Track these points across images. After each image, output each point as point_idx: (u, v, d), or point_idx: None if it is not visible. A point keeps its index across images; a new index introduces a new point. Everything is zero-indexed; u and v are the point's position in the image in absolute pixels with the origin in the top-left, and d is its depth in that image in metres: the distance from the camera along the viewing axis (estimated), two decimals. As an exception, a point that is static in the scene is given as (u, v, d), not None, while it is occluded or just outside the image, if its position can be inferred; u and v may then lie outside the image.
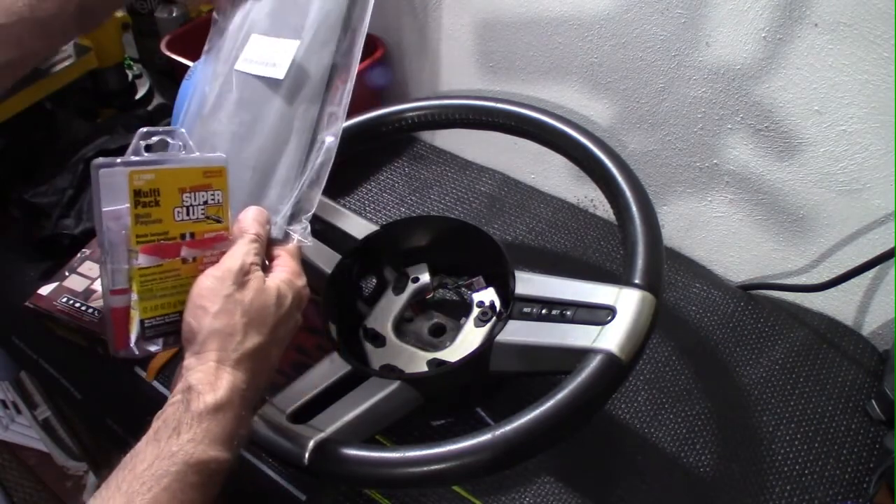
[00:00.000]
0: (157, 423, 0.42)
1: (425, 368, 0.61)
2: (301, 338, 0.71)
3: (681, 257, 0.85)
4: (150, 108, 1.03)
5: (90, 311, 0.73)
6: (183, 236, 0.47)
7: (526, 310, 0.56)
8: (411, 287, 0.69)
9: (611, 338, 0.50)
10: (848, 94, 0.62)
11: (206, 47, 0.61)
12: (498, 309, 0.64)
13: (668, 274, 0.80)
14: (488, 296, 0.66)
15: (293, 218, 0.54)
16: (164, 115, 0.98)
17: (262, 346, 0.45)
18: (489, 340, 0.57)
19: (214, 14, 0.60)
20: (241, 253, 0.47)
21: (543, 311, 0.55)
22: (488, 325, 0.63)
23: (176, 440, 0.40)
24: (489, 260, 0.64)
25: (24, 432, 1.34)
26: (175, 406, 0.42)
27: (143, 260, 0.45)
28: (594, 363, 0.49)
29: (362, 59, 0.96)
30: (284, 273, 0.49)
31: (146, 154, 0.47)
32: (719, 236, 0.82)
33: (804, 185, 0.70)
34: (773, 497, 0.62)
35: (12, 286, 0.82)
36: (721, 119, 0.72)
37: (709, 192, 0.79)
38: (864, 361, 0.72)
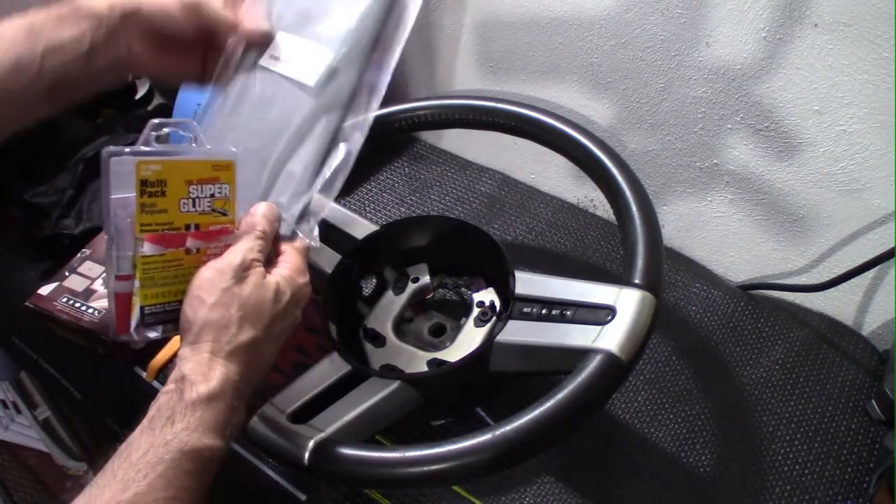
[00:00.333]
0: (151, 412, 0.43)
1: (425, 368, 0.61)
2: (301, 338, 0.71)
3: (681, 257, 0.85)
4: (150, 108, 1.03)
5: (90, 311, 0.73)
6: (188, 227, 0.48)
7: (526, 310, 0.56)
8: (411, 287, 0.69)
9: (611, 338, 0.50)
10: (848, 94, 0.62)
11: None
12: (498, 309, 0.64)
13: (668, 274, 0.80)
14: (488, 296, 0.66)
15: (302, 219, 0.54)
16: (163, 115, 0.98)
17: (256, 339, 0.46)
18: (489, 340, 0.57)
19: None
20: (243, 248, 0.48)
21: (543, 311, 0.55)
22: (488, 325, 0.63)
23: (170, 429, 0.41)
24: (489, 260, 0.64)
25: (24, 432, 1.34)
26: (169, 395, 0.43)
27: (146, 248, 0.46)
28: (594, 363, 0.49)
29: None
30: (286, 270, 0.49)
31: (156, 145, 0.48)
32: (719, 236, 0.82)
33: (804, 185, 0.70)
34: (773, 497, 0.62)
35: (12, 286, 0.82)
36: (721, 119, 0.72)
37: (709, 192, 0.79)
38: (864, 361, 0.72)
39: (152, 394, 0.72)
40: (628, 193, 0.59)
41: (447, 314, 0.68)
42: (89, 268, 0.77)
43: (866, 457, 0.64)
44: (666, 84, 0.73)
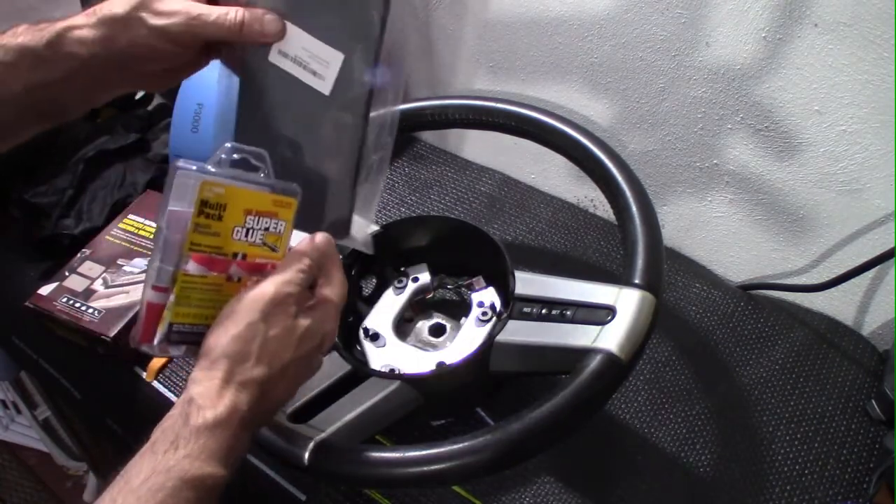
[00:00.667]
0: (155, 434, 0.42)
1: (425, 368, 0.61)
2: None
3: (681, 257, 0.85)
4: (150, 107, 1.03)
5: (90, 311, 0.73)
6: (235, 255, 0.47)
7: (526, 310, 0.56)
8: (411, 287, 0.69)
9: (611, 338, 0.50)
10: (848, 94, 0.62)
11: None
12: (498, 309, 0.64)
13: (668, 274, 0.80)
14: (488, 296, 0.66)
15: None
16: (163, 114, 0.98)
17: (270, 377, 0.44)
18: (489, 340, 0.57)
19: None
20: (280, 281, 0.45)
21: (543, 311, 0.55)
22: (488, 325, 0.63)
23: (173, 454, 0.40)
24: (489, 260, 0.64)
25: (24, 432, 1.35)
26: (174, 419, 0.42)
27: (191, 267, 0.45)
28: (594, 363, 0.49)
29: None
30: (321, 313, 0.47)
31: (225, 168, 0.47)
32: (719, 236, 0.82)
33: (804, 185, 0.70)
34: (773, 497, 0.62)
35: (12, 286, 0.82)
36: (721, 119, 0.72)
37: (709, 192, 0.79)
38: (864, 361, 0.72)
39: (152, 394, 0.73)
40: (628, 193, 0.59)
41: (447, 314, 0.69)
42: (89, 268, 0.77)
43: (866, 457, 0.64)
44: (666, 84, 0.73)
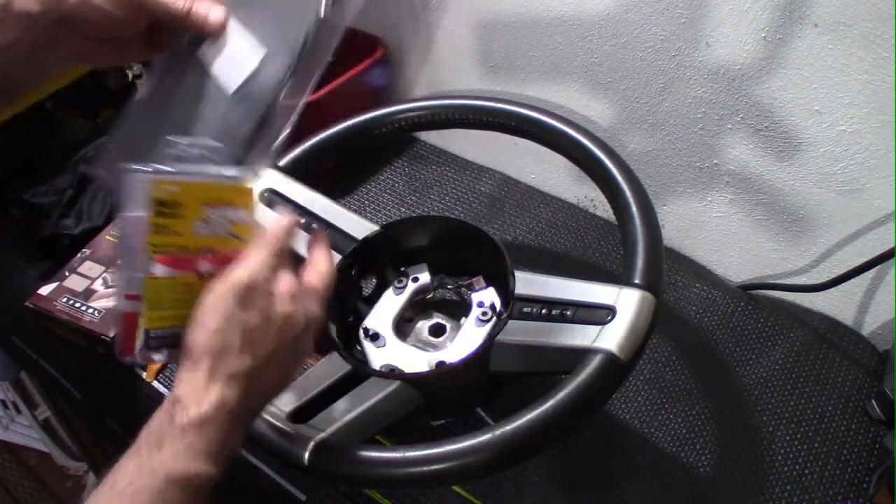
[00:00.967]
0: (141, 436, 0.41)
1: (425, 368, 0.61)
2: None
3: (681, 257, 0.85)
4: (149, 108, 1.03)
5: (90, 311, 0.73)
6: (201, 251, 0.46)
7: (526, 310, 0.56)
8: (411, 287, 0.69)
9: (611, 338, 0.50)
10: (848, 94, 0.62)
11: None
12: (498, 309, 0.64)
13: (668, 274, 0.80)
14: (488, 296, 0.66)
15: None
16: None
17: (257, 367, 0.43)
18: (489, 340, 0.57)
19: None
20: (252, 267, 0.44)
21: (543, 311, 0.55)
22: (488, 325, 0.63)
23: (158, 455, 0.39)
24: (489, 260, 0.64)
25: (24, 432, 1.35)
26: (159, 420, 0.41)
27: (157, 269, 0.44)
28: (594, 363, 0.49)
29: (362, 60, 0.96)
30: (304, 298, 0.47)
31: (175, 164, 0.46)
32: (719, 236, 0.82)
33: (804, 185, 0.70)
34: (773, 497, 0.62)
35: (12, 286, 0.82)
36: (721, 119, 0.72)
37: (709, 192, 0.79)
38: (864, 361, 0.72)
39: (152, 394, 0.73)
40: (628, 193, 0.59)
41: (447, 314, 0.68)
42: (89, 268, 0.77)
43: (866, 457, 0.64)
44: (666, 84, 0.73)
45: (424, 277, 0.69)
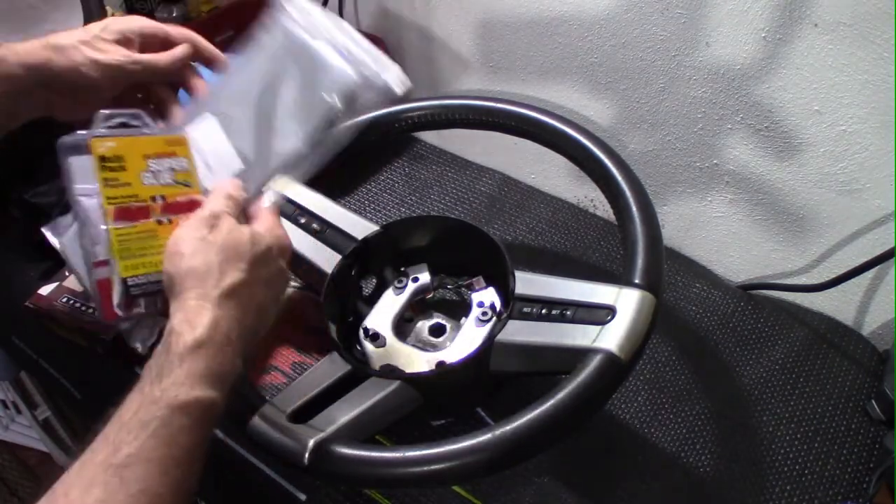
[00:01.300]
0: (144, 372, 0.42)
1: (425, 368, 0.61)
2: (301, 338, 0.71)
3: (681, 257, 0.85)
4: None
5: (90, 311, 0.73)
6: (154, 199, 0.49)
7: (526, 310, 0.56)
8: (411, 287, 0.69)
9: (611, 337, 0.50)
10: (848, 94, 0.62)
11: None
12: (498, 309, 0.64)
13: (668, 274, 0.80)
14: (488, 296, 0.66)
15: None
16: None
17: (243, 282, 0.45)
18: (489, 340, 0.57)
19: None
20: (211, 203, 0.48)
21: (543, 311, 0.55)
22: (488, 325, 0.63)
23: (158, 385, 0.40)
24: (489, 260, 0.64)
25: (24, 432, 1.34)
26: (158, 352, 0.42)
27: (116, 222, 0.47)
28: (594, 363, 0.49)
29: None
30: (261, 225, 0.50)
31: (111, 130, 0.50)
32: (719, 236, 0.82)
33: (804, 185, 0.70)
34: (773, 497, 0.62)
35: (12, 286, 0.82)
36: (721, 119, 0.72)
37: (709, 192, 0.79)
38: (864, 361, 0.72)
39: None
40: (628, 193, 0.59)
41: (447, 314, 0.68)
42: (89, 268, 0.77)
43: (866, 457, 0.64)
44: (666, 84, 0.73)
45: (424, 277, 0.69)
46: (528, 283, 0.57)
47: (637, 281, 0.53)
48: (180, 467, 0.39)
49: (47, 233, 0.52)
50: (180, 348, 0.41)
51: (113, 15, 1.01)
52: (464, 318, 0.65)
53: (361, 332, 0.65)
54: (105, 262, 0.46)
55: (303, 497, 0.64)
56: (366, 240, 0.67)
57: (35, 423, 1.27)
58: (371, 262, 0.70)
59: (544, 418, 0.47)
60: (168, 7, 1.03)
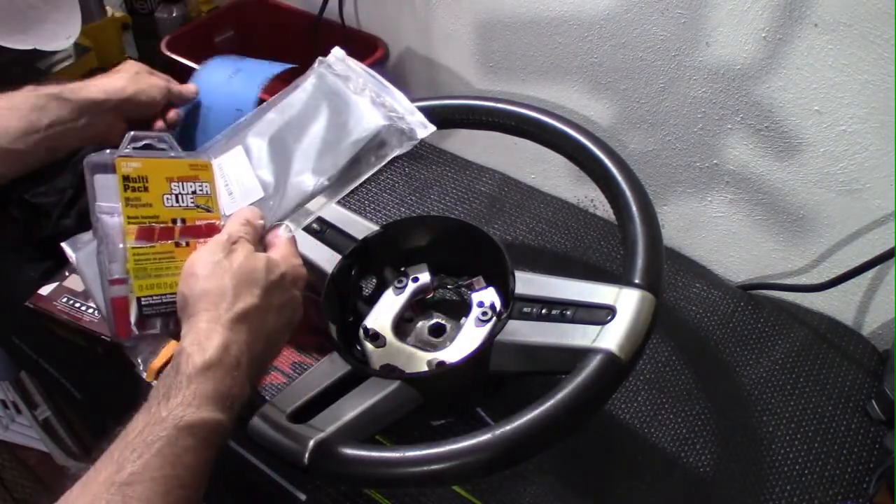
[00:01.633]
0: (152, 391, 0.42)
1: (425, 368, 0.61)
2: (301, 338, 0.71)
3: (681, 257, 0.85)
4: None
5: (90, 311, 0.73)
6: (174, 221, 0.49)
7: (526, 310, 0.56)
8: (411, 287, 0.69)
9: (611, 337, 0.50)
10: (848, 94, 0.62)
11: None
12: (498, 309, 0.64)
13: (668, 274, 0.80)
14: (488, 296, 0.66)
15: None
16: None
17: (255, 307, 0.45)
18: (489, 340, 0.57)
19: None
20: (229, 228, 0.49)
21: (543, 311, 0.55)
22: (488, 325, 0.63)
23: (166, 405, 0.40)
24: (489, 260, 0.64)
25: (24, 432, 1.34)
26: (167, 372, 0.42)
27: (135, 241, 0.47)
28: (594, 363, 0.49)
29: (363, 59, 0.96)
30: (277, 253, 0.50)
31: (135, 152, 0.51)
32: (719, 236, 0.82)
33: (804, 185, 0.70)
34: (773, 497, 0.62)
35: (12, 286, 0.82)
36: (721, 119, 0.72)
37: (709, 192, 0.79)
38: (864, 361, 0.72)
39: (152, 394, 0.73)
40: (628, 193, 0.59)
41: (447, 314, 0.68)
42: (89, 268, 0.77)
43: (866, 457, 0.64)
44: (666, 84, 0.73)
45: (424, 277, 0.69)
46: (528, 283, 0.57)
47: (637, 281, 0.53)
48: (184, 488, 0.39)
49: (66, 247, 0.52)
50: (189, 369, 0.41)
51: (113, 15, 1.01)
52: (464, 318, 0.65)
53: (361, 332, 0.65)
54: (121, 280, 0.47)
55: (303, 497, 0.64)
56: (366, 240, 0.67)
57: (35, 423, 1.27)
58: (371, 262, 0.70)
59: (544, 418, 0.47)
60: (168, 7, 1.03)
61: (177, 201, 0.50)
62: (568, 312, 0.54)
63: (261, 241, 0.52)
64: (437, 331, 0.67)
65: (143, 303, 0.47)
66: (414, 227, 0.70)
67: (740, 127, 0.71)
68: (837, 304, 0.76)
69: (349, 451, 0.49)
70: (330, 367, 0.57)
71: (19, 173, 0.60)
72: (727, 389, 0.70)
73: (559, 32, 0.78)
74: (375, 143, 0.55)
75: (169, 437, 0.39)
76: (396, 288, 0.69)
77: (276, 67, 0.75)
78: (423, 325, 0.68)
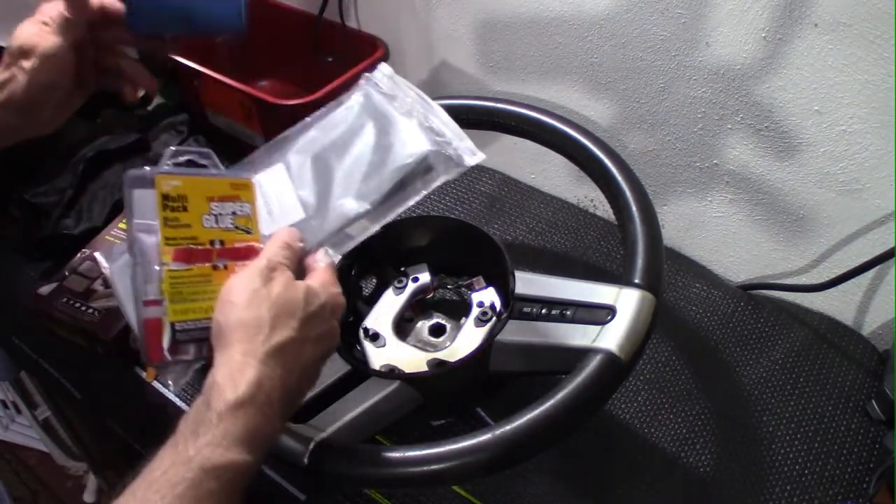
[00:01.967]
0: (179, 426, 0.40)
1: (425, 368, 0.61)
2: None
3: (681, 257, 0.85)
4: (150, 108, 1.03)
5: (90, 311, 0.73)
6: (213, 243, 0.47)
7: (526, 310, 0.56)
8: (411, 287, 0.69)
9: (611, 337, 0.50)
10: (848, 94, 0.62)
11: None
12: (498, 309, 0.64)
13: (668, 274, 0.80)
14: (488, 296, 0.66)
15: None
16: (164, 114, 0.98)
17: (292, 340, 0.43)
18: (489, 340, 0.57)
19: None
20: (268, 253, 0.47)
21: (543, 311, 0.55)
22: (488, 325, 0.63)
23: (193, 444, 0.39)
24: (489, 260, 0.64)
25: (24, 432, 1.34)
26: (197, 406, 0.41)
27: (172, 263, 0.45)
28: (594, 363, 0.49)
29: (362, 59, 0.95)
30: (316, 280, 0.48)
31: (175, 168, 0.49)
32: (719, 236, 0.82)
33: (804, 185, 0.70)
34: (773, 497, 0.62)
35: (12, 286, 0.82)
36: (721, 119, 0.72)
37: (709, 192, 0.79)
38: (864, 361, 0.72)
39: (153, 394, 0.73)
40: (628, 193, 0.59)
41: (447, 314, 0.69)
42: (89, 268, 0.77)
43: (866, 457, 0.64)
44: (666, 84, 0.73)
45: (424, 277, 0.69)
46: (527, 283, 0.58)
47: (637, 281, 0.53)
48: None
49: (100, 258, 0.50)
50: (220, 406, 0.40)
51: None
52: (464, 318, 0.65)
53: (361, 332, 0.66)
54: (155, 302, 0.45)
55: (303, 497, 0.64)
56: (366, 240, 0.67)
57: (35, 423, 1.27)
58: (371, 262, 0.70)
59: (544, 418, 0.47)
60: (168, 7, 1.03)
61: (216, 222, 0.47)
62: (568, 312, 0.54)
63: (299, 264, 0.50)
64: (437, 331, 0.67)
65: (177, 328, 0.45)
66: (414, 227, 0.70)
67: (740, 127, 0.71)
68: (837, 304, 0.76)
69: (349, 451, 0.49)
70: (330, 367, 0.57)
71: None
72: (727, 389, 0.70)
73: (559, 32, 0.78)
74: (422, 169, 0.52)
75: (194, 480, 0.38)
76: (396, 288, 0.69)
77: None
78: (423, 325, 0.68)
